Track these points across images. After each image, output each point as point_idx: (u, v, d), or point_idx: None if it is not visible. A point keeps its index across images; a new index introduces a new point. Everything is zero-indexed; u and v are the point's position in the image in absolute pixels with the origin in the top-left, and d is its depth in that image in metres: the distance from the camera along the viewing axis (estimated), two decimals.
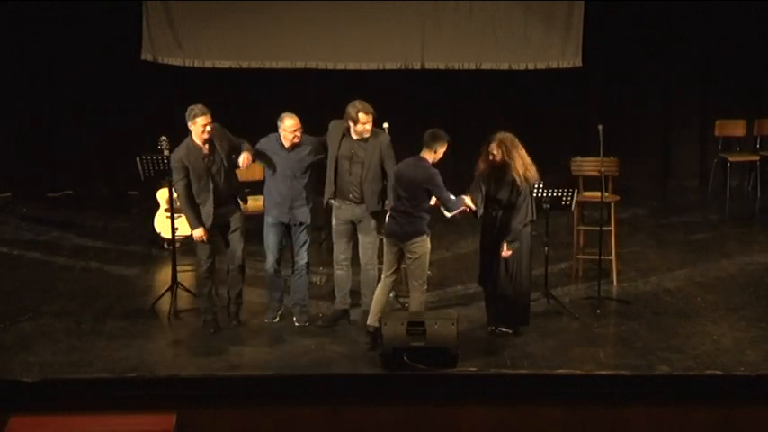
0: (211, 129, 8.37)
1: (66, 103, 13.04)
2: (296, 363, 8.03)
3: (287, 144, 8.59)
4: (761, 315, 9.01)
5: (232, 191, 8.62)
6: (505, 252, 8.34)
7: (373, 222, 8.65)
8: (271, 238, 8.74)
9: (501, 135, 8.39)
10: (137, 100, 13.07)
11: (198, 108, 8.39)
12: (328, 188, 8.69)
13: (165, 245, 10.65)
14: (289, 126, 8.55)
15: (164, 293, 9.17)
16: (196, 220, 8.46)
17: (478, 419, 7.88)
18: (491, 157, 8.36)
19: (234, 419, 7.80)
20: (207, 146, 8.43)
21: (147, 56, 12.88)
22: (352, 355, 8.19)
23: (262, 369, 7.95)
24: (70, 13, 12.70)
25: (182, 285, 9.18)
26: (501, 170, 8.35)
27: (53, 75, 12.93)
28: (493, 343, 8.39)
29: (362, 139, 8.55)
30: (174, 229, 9.23)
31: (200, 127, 8.34)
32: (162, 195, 10.63)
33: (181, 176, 8.43)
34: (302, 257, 8.77)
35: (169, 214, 9.34)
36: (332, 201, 8.72)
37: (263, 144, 8.71)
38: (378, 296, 8.35)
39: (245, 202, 8.82)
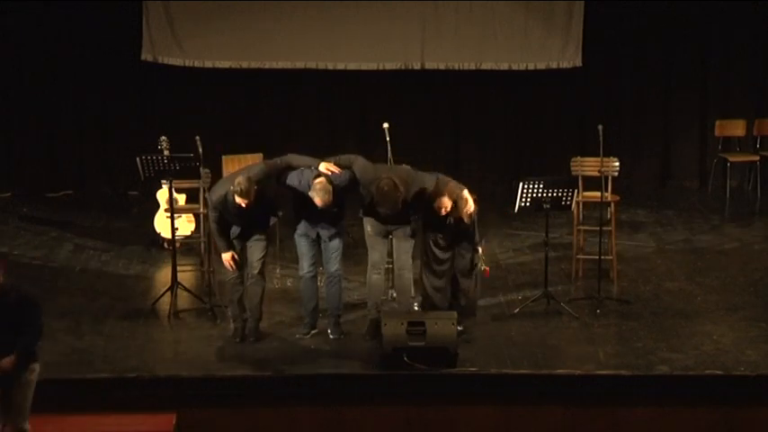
0: (247, 206, 8.11)
1: (66, 103, 13.02)
2: (296, 363, 8.03)
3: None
4: (761, 315, 9.01)
5: (266, 219, 8.49)
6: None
7: (409, 228, 8.43)
8: (303, 245, 8.50)
9: (448, 187, 8.21)
10: (137, 100, 13.06)
11: (237, 189, 8.01)
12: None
13: (165, 245, 10.65)
14: (316, 199, 8.12)
15: (164, 293, 9.17)
16: (226, 246, 8.38)
17: (478, 419, 7.89)
18: (444, 210, 8.18)
19: (234, 419, 7.81)
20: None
21: (147, 56, 12.86)
22: (352, 355, 8.20)
23: (262, 369, 7.96)
24: (70, 12, 12.69)
25: (182, 285, 9.17)
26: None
27: (53, 75, 12.91)
28: (493, 343, 8.39)
29: None
30: (174, 229, 9.22)
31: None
32: (162, 195, 10.61)
33: (215, 214, 8.35)
34: (333, 265, 8.48)
35: (169, 214, 9.34)
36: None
37: (293, 177, 8.28)
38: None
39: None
